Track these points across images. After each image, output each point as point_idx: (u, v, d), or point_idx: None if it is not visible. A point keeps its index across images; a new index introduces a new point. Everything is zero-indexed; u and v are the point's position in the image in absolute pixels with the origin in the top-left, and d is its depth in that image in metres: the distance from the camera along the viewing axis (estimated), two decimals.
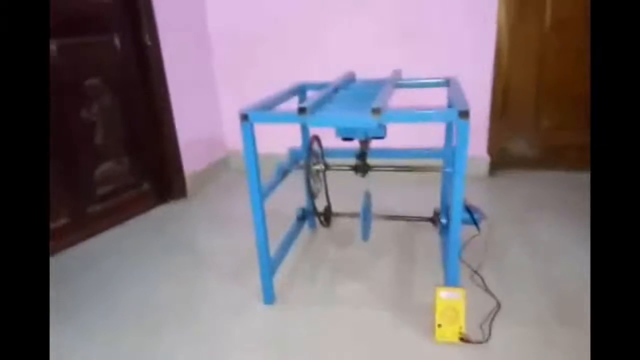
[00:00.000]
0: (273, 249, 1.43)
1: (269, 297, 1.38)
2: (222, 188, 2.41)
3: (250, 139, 1.20)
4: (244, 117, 1.17)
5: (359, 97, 1.34)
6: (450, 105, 1.39)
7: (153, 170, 2.15)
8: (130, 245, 1.82)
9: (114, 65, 1.94)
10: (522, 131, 2.37)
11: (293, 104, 1.34)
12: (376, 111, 1.04)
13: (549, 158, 2.38)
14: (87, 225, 1.88)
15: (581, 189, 2.12)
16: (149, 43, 2.00)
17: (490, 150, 2.35)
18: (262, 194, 1.28)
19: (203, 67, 2.46)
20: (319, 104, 1.19)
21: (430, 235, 1.73)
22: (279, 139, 1.93)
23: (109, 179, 1.98)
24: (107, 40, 1.92)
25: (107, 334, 1.31)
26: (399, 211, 1.73)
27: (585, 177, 2.23)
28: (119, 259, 1.73)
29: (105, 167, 1.95)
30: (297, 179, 1.62)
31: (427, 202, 1.77)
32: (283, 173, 1.51)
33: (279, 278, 1.48)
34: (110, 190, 1.98)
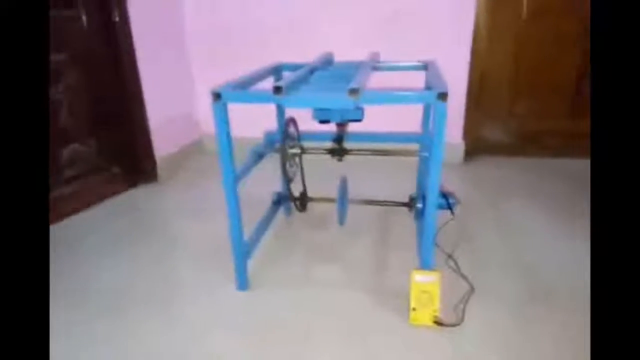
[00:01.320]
0: (248, 233, 1.40)
1: (242, 281, 1.36)
2: (196, 171, 2.35)
3: (223, 119, 1.16)
4: (217, 96, 1.13)
5: (336, 78, 1.31)
6: (428, 88, 1.38)
7: (122, 152, 2.07)
8: (98, 230, 1.76)
9: (80, 41, 1.84)
10: (497, 118, 2.39)
11: (269, 84, 1.30)
12: (354, 92, 1.01)
13: (523, 145, 2.41)
14: (53, 209, 1.80)
15: (555, 175, 2.16)
16: (117, 19, 1.90)
17: (466, 136, 2.37)
18: (235, 177, 1.24)
19: (176, 45, 2.37)
20: (295, 84, 1.15)
21: (406, 220, 1.73)
22: (256, 123, 1.89)
23: (75, 161, 1.89)
24: (73, 15, 1.81)
25: (77, 322, 1.26)
26: (376, 196, 1.72)
27: (559, 163, 2.28)
28: (87, 244, 1.66)
29: (71, 149, 1.87)
30: (273, 163, 1.58)
31: (403, 186, 1.77)
32: (258, 156, 1.47)
33: (253, 262, 1.46)
34: (77, 172, 1.90)
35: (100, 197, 1.99)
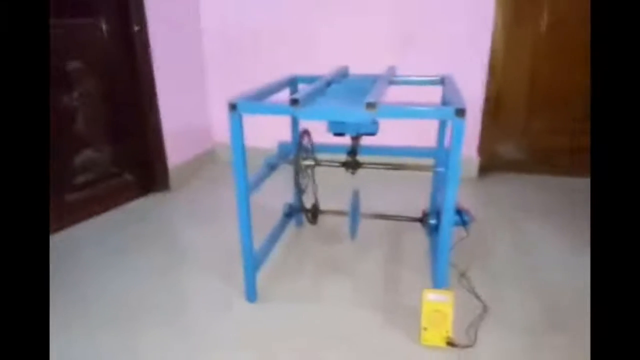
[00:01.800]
0: (258, 244, 1.39)
1: (252, 294, 1.34)
2: (208, 181, 2.35)
3: (238, 130, 1.15)
4: (233, 107, 1.12)
5: (352, 91, 1.30)
6: (444, 103, 1.36)
7: (136, 160, 2.08)
8: (109, 238, 1.76)
9: (99, 49, 1.87)
10: (513, 134, 2.36)
11: (283, 96, 1.30)
12: (371, 105, 1.00)
13: (538, 162, 2.38)
14: (64, 214, 1.80)
15: (569, 194, 2.12)
16: (136, 28, 1.93)
17: (481, 151, 2.34)
18: (248, 187, 1.23)
19: (192, 56, 2.39)
20: (312, 97, 1.15)
21: (418, 236, 1.70)
22: (269, 133, 1.88)
23: (89, 167, 1.90)
24: (93, 23, 1.84)
25: (84, 330, 1.25)
26: (388, 210, 1.69)
27: (573, 182, 2.24)
28: (97, 251, 1.66)
29: (85, 155, 1.88)
30: (285, 174, 1.57)
31: (416, 201, 1.74)
32: (271, 167, 1.47)
33: (263, 275, 1.44)
34: (90, 179, 1.91)
35: (112, 204, 1.99)
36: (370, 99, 1.02)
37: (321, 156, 1.55)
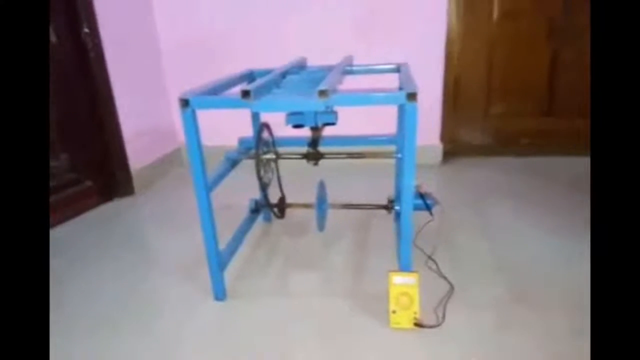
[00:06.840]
0: (226, 242, 1.37)
1: (219, 292, 1.32)
2: (173, 183, 2.31)
3: (192, 126, 1.13)
4: (185, 103, 1.10)
5: (308, 82, 1.30)
6: (400, 90, 1.38)
7: (95, 165, 2.02)
8: (71, 246, 1.70)
9: (50, 54, 1.80)
10: (473, 119, 2.42)
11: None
12: (323, 93, 1.00)
13: (500, 145, 2.44)
14: None
15: (531, 174, 2.19)
16: (86, 30, 1.87)
17: (443, 138, 2.38)
18: (207, 184, 1.21)
19: (149, 57, 2.34)
20: (265, 88, 1.14)
21: (385, 223, 1.72)
22: (232, 131, 1.86)
23: None
24: None
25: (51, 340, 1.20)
26: (355, 199, 1.70)
27: (534, 162, 2.31)
28: (59, 261, 1.60)
29: None
30: (251, 170, 1.56)
31: (382, 189, 1.76)
32: (232, 163, 1.45)
33: (231, 272, 1.43)
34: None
35: (74, 213, 1.93)
36: (322, 87, 1.02)
37: (284, 149, 1.54)
